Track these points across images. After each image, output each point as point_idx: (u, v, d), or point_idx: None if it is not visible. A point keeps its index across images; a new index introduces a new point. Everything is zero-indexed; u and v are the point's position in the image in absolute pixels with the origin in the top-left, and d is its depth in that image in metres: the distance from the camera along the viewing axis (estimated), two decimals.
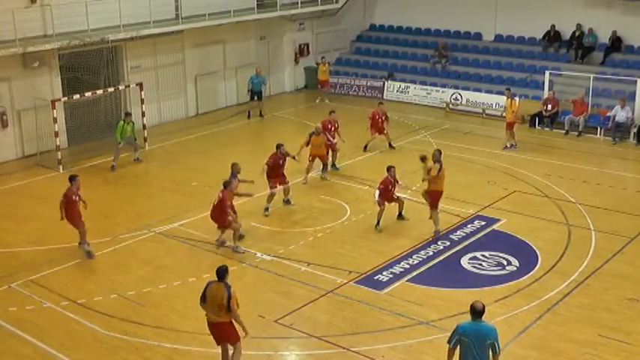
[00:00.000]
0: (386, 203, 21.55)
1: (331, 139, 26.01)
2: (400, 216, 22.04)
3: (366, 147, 28.70)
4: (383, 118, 28.72)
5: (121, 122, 27.27)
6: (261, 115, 34.20)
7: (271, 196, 22.65)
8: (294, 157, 23.40)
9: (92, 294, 17.83)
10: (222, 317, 13.91)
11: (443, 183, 20.95)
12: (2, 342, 15.93)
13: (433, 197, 20.97)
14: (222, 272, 13.91)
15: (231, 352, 14.30)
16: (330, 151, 26.09)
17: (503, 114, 30.31)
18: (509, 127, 29.14)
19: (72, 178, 19.73)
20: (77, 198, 19.58)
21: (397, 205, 21.99)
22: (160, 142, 30.27)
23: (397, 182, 21.71)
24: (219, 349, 14.53)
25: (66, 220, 19.49)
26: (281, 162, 22.84)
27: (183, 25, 32.85)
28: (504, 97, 30.39)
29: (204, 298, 13.96)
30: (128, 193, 24.93)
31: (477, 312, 12.09)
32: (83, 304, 17.37)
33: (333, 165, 26.48)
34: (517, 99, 30.20)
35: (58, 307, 17.26)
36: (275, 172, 22.70)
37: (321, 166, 25.85)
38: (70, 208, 19.44)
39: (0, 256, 20.02)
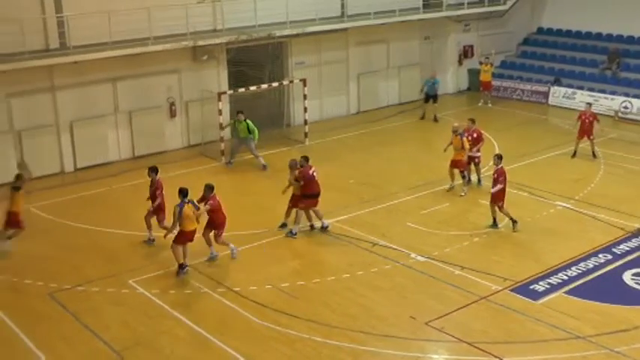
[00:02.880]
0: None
1: (469, 148, 24.00)
2: (494, 223, 21.41)
3: (574, 153, 27.62)
4: (590, 119, 27.45)
5: (231, 121, 27.56)
6: (435, 119, 33.24)
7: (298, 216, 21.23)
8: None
9: (247, 283, 18.21)
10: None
11: None
12: (161, 322, 16.56)
13: None
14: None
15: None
16: (472, 163, 24.58)
17: None
18: None
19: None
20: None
21: (498, 207, 21.33)
22: (319, 138, 30.58)
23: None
24: (369, 347, 15.04)
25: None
26: (313, 174, 21.01)
27: (348, 23, 33.10)
28: None
29: None
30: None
31: None
32: (239, 292, 17.78)
33: (479, 181, 24.73)
34: None
35: (215, 294, 17.75)
36: (310, 188, 20.97)
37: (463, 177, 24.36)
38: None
39: (161, 241, 20.75)
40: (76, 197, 24.09)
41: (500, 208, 21.24)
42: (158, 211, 20.46)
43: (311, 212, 21.15)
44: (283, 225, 21.24)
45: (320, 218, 21.29)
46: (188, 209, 18.30)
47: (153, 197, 20.48)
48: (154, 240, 20.55)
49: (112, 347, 15.54)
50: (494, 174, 21.33)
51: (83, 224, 21.68)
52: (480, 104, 36.21)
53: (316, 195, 20.93)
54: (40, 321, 16.65)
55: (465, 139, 23.94)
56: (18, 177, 20.72)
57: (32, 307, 17.28)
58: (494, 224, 21.30)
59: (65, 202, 23.52)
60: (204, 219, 19.22)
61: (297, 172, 20.88)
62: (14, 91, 25.49)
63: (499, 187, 20.96)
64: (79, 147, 27.00)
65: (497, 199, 21.13)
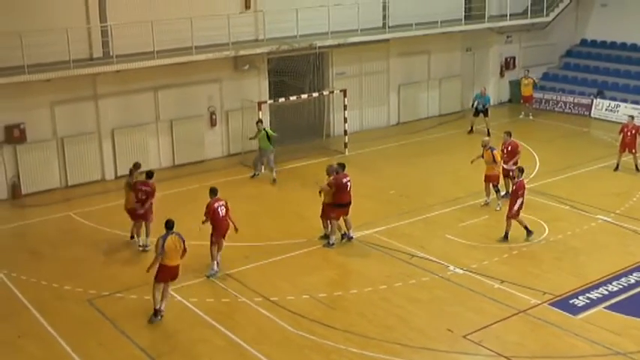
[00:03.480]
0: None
1: (500, 161, 23.64)
2: (529, 232, 21.24)
3: (617, 167, 27.30)
4: (633, 132, 27.13)
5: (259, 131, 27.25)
6: (488, 133, 31.37)
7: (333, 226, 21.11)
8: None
9: (285, 293, 18.22)
10: None
11: None
12: (198, 331, 16.62)
13: None
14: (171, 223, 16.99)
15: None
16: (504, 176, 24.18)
17: None
18: None
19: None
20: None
21: (507, 217, 21.18)
22: (359, 148, 30.54)
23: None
24: (405, 359, 14.82)
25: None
26: (346, 182, 20.93)
27: (389, 34, 33.04)
28: None
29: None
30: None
31: None
32: (276, 302, 17.79)
33: (506, 193, 23.83)
34: None
35: (252, 303, 17.77)
36: (340, 197, 20.84)
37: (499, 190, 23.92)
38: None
39: (199, 249, 20.81)
40: (116, 205, 24.20)
41: (509, 218, 21.06)
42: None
43: (341, 221, 21.11)
44: (324, 236, 21.22)
45: (349, 228, 21.25)
46: (172, 241, 16.82)
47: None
48: (141, 246, 20.93)
49: (148, 354, 15.64)
50: (513, 186, 21.21)
51: (123, 232, 21.84)
52: (521, 116, 35.91)
53: (346, 204, 20.87)
54: (78, 326, 16.83)
55: (495, 152, 23.59)
56: (133, 170, 21.15)
57: (71, 312, 17.49)
58: (529, 233, 21.17)
59: (106, 210, 23.77)
60: (208, 231, 19.10)
61: (331, 178, 20.89)
62: (58, 99, 25.88)
63: (519, 202, 20.83)
64: (120, 155, 27.26)
65: (510, 209, 20.99)
